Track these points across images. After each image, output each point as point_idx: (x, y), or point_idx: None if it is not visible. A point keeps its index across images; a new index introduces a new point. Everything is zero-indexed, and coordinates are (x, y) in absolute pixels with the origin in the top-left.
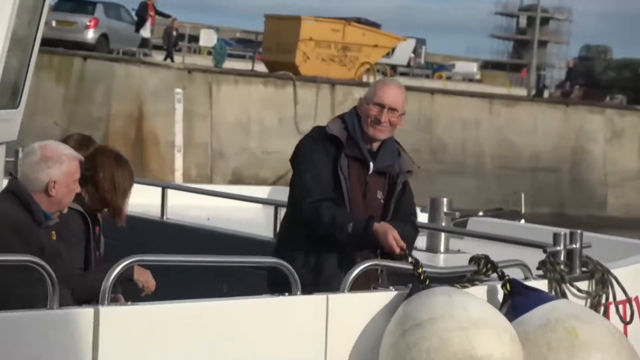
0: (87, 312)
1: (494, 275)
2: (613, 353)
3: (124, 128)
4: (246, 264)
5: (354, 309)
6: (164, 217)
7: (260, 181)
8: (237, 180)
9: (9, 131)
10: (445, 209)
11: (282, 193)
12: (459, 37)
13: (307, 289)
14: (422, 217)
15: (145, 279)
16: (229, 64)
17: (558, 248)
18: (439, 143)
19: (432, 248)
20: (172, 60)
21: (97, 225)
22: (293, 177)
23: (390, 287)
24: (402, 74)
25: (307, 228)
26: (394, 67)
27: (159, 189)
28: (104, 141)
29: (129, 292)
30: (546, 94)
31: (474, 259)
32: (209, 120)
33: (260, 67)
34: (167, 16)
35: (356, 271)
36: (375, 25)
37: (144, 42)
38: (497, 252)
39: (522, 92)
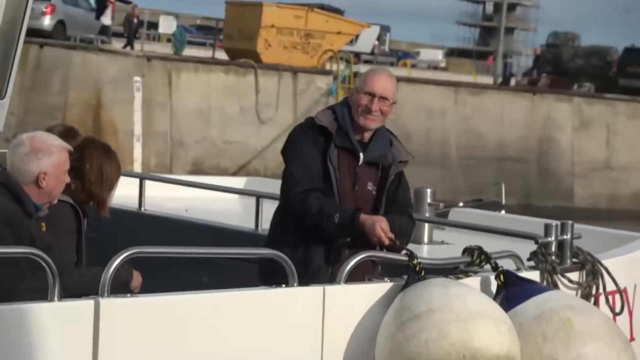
0: (87, 303)
1: (487, 266)
2: (608, 343)
3: (82, 117)
4: (243, 255)
5: (351, 301)
6: (142, 209)
7: (221, 171)
8: (197, 170)
9: None
10: (429, 200)
11: (264, 184)
12: (424, 24)
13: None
14: None
15: (138, 284)
16: (189, 51)
17: (549, 239)
18: (404, 132)
19: (416, 239)
20: (132, 48)
21: (86, 217)
22: (284, 169)
23: (386, 279)
24: (366, 61)
25: (296, 219)
26: (357, 55)
27: (136, 180)
28: None
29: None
30: (513, 82)
31: (468, 250)
32: (169, 109)
33: (221, 55)
34: (127, 2)
35: (352, 262)
36: (338, 11)
37: (104, 30)
38: (481, 243)
39: (488, 80)
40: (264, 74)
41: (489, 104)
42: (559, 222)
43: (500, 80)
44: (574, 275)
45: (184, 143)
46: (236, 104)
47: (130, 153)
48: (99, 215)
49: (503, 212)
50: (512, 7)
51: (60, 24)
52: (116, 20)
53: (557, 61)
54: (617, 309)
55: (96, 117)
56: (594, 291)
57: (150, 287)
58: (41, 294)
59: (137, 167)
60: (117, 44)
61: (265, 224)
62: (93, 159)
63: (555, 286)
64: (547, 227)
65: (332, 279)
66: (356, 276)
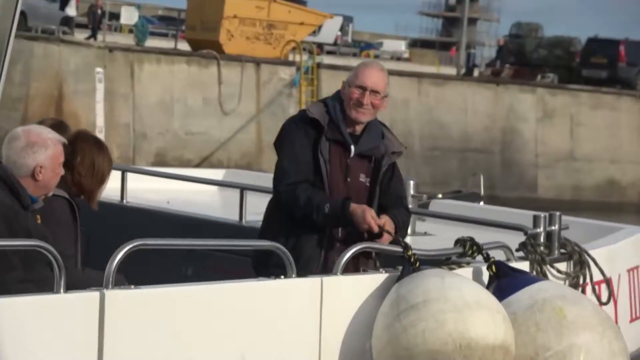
0: (92, 295)
1: (479, 257)
2: (600, 332)
3: (43, 108)
4: (243, 247)
5: (348, 291)
6: (124, 201)
7: (184, 163)
8: (160, 162)
9: None
10: (412, 192)
11: (243, 176)
12: (387, 15)
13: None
14: None
15: None
16: (151, 42)
17: (538, 230)
18: None
19: None
20: (96, 39)
21: (79, 210)
22: (276, 162)
23: (381, 270)
24: (328, 52)
25: (288, 211)
26: (320, 46)
27: (119, 173)
28: (23, 123)
29: None
30: (476, 72)
31: (460, 241)
32: (131, 101)
33: (184, 46)
34: None
35: (349, 254)
36: (301, 2)
37: (68, 21)
38: (463, 234)
39: (451, 71)
40: (226, 65)
41: (452, 95)
42: (547, 214)
43: (463, 71)
44: (562, 266)
45: (147, 135)
46: (199, 95)
47: None
48: (83, 207)
49: (482, 203)
50: None
51: (21, 15)
52: (80, 11)
53: (520, 52)
54: (604, 299)
55: (58, 109)
56: (581, 281)
57: (135, 280)
58: (31, 285)
59: None
60: (81, 35)
61: (249, 216)
62: (85, 153)
63: (545, 276)
64: (535, 218)
65: (323, 270)
66: (349, 267)
